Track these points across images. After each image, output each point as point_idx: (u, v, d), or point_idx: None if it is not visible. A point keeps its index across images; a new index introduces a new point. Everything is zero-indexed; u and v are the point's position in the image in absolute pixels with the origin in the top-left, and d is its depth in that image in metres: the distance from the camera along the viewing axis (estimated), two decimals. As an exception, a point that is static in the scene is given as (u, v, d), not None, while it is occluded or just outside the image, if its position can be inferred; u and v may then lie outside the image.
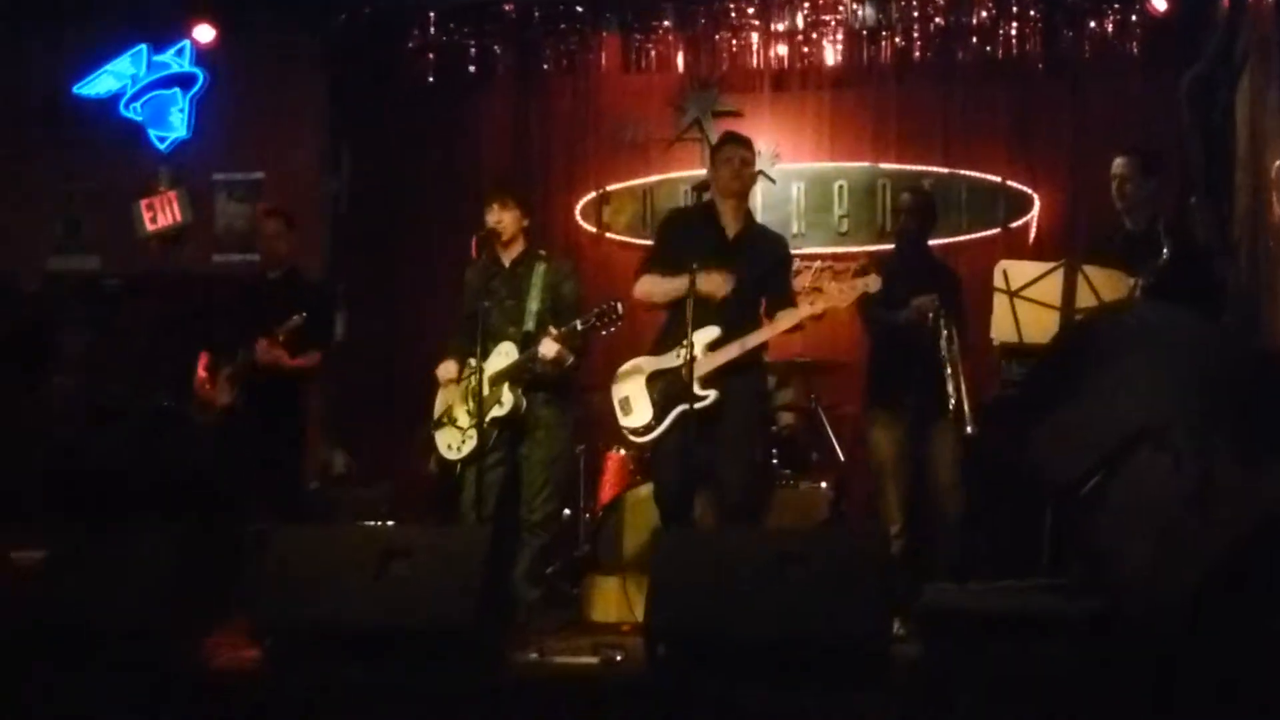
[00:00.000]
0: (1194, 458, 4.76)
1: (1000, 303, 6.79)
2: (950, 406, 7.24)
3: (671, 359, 6.94)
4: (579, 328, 6.94)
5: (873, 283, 6.93)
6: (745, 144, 7.23)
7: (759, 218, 9.08)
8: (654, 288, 7.11)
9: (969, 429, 7.19)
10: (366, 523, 8.46)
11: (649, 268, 7.22)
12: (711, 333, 6.79)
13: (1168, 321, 5.56)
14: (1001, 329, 6.82)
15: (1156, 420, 4.94)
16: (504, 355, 7.14)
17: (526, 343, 7.14)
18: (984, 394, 7.33)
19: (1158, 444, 4.88)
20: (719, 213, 7.15)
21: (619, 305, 6.89)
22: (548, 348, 7.00)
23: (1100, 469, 5.05)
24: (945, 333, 7.34)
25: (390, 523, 8.54)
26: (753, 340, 6.88)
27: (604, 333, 6.93)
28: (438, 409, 7.43)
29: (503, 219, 7.30)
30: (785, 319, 6.91)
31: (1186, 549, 4.66)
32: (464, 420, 7.24)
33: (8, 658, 5.76)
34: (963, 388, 7.28)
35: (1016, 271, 6.84)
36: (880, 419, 7.67)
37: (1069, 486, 5.23)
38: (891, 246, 8.62)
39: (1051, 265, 6.80)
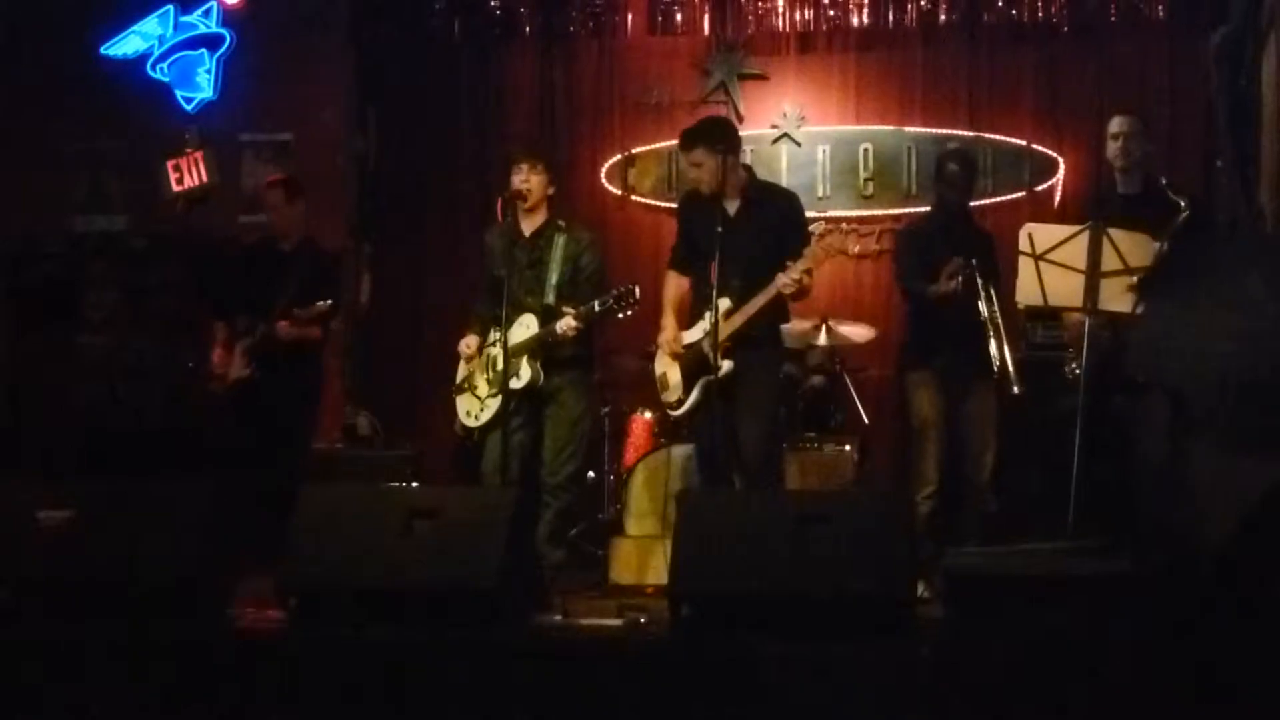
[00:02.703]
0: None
1: (1025, 266, 6.78)
2: (995, 368, 7.28)
3: (695, 333, 7.17)
4: (596, 309, 6.99)
5: (848, 244, 7.05)
6: (688, 146, 7.25)
7: (784, 181, 9.17)
8: (665, 293, 7.41)
9: (1015, 389, 7.23)
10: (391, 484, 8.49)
11: (674, 256, 7.49)
12: (723, 304, 6.88)
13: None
14: (1026, 292, 6.81)
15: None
16: (524, 327, 7.17)
17: (547, 315, 7.17)
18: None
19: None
20: (720, 192, 7.20)
21: (636, 290, 6.99)
22: (566, 325, 7.05)
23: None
24: (984, 294, 7.36)
25: (415, 484, 8.57)
26: (752, 307, 6.97)
27: (620, 315, 7.01)
28: (459, 374, 7.47)
29: (530, 181, 7.28)
30: (769, 289, 6.97)
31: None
32: (483, 389, 7.30)
33: (35, 615, 5.81)
34: (1005, 348, 7.31)
35: (1042, 235, 6.82)
36: (922, 380, 7.70)
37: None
38: (921, 210, 8.62)
39: (1077, 229, 6.77)
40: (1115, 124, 7.43)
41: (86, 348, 9.92)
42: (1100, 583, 5.13)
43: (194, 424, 8.87)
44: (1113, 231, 6.70)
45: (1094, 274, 6.66)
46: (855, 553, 5.50)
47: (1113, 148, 7.41)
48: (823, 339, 8.67)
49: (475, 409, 7.34)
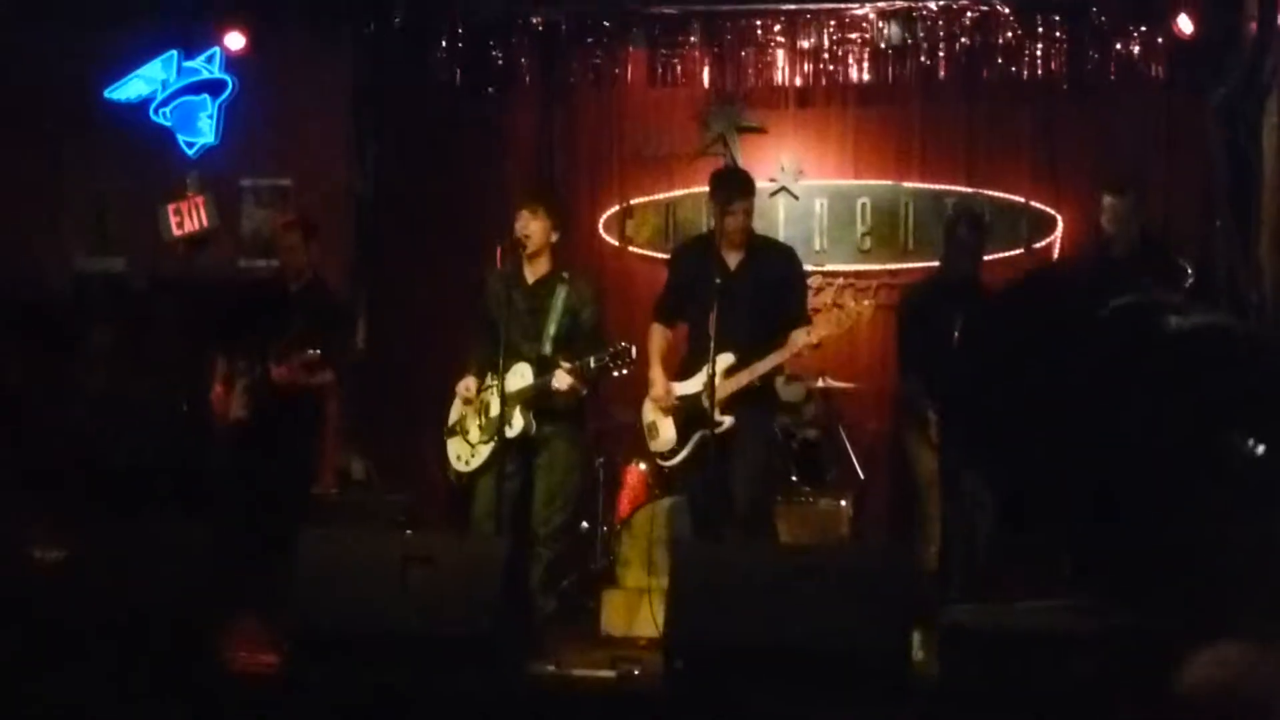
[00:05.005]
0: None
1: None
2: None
3: (692, 385, 7.17)
4: (592, 365, 7.01)
5: (866, 311, 7.08)
6: (749, 193, 7.31)
7: (781, 234, 9.20)
8: (650, 345, 7.38)
9: None
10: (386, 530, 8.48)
11: (660, 307, 7.53)
12: (726, 359, 6.90)
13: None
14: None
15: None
16: (519, 376, 7.18)
17: (542, 365, 7.19)
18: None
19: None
20: (719, 244, 7.22)
21: (633, 349, 7.04)
22: (560, 380, 7.09)
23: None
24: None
25: (409, 531, 8.56)
26: (761, 367, 7.03)
27: (616, 374, 7.04)
28: (452, 417, 7.49)
29: (530, 228, 7.30)
30: (786, 350, 7.00)
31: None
32: (474, 434, 7.32)
33: (29, 654, 5.80)
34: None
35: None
36: (921, 435, 7.72)
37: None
38: (921, 266, 8.66)
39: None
40: (1106, 204, 7.56)
41: (84, 387, 9.91)
42: (1098, 640, 5.13)
43: (189, 465, 8.86)
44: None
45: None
46: (850, 607, 5.51)
47: (1104, 221, 7.50)
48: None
49: (466, 454, 7.35)
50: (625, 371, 7.08)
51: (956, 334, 7.41)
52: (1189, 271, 6.96)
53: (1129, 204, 7.53)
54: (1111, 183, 7.85)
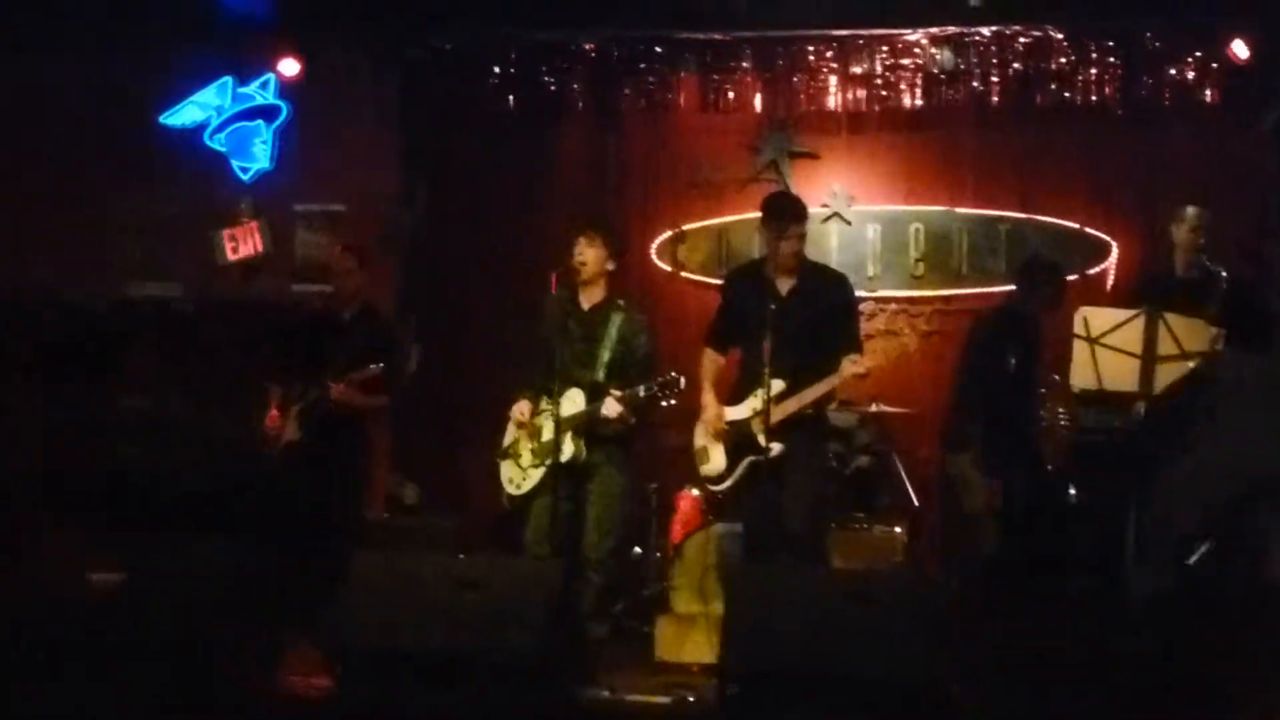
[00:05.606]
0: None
1: (1080, 349, 6.78)
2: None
3: (742, 410, 7.17)
4: (641, 394, 7.01)
5: (914, 342, 7.10)
6: (801, 218, 7.30)
7: (833, 260, 9.18)
8: (703, 371, 7.39)
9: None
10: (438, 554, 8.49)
11: (712, 333, 7.53)
12: (777, 385, 6.87)
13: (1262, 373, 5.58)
14: (1081, 375, 6.81)
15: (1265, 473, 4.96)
16: (571, 402, 7.18)
17: (594, 392, 7.19)
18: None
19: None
20: (771, 270, 7.21)
21: (681, 380, 7.02)
22: (610, 408, 7.08)
23: (1208, 539, 5.08)
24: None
25: (460, 555, 8.57)
26: (810, 395, 7.01)
27: (664, 404, 7.03)
28: (505, 440, 7.49)
29: (586, 256, 7.32)
30: (835, 378, 6.98)
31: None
32: (526, 458, 7.32)
33: (82, 674, 5.82)
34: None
35: (1097, 319, 6.83)
36: (974, 462, 7.70)
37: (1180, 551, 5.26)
38: (970, 291, 8.66)
39: (1133, 313, 6.78)
40: (1190, 214, 7.50)
41: (125, 410, 9.95)
42: (1144, 667, 5.11)
43: (233, 488, 8.87)
44: (1169, 316, 6.70)
45: (1150, 358, 6.64)
46: (904, 634, 5.48)
47: (1181, 233, 7.45)
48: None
49: (518, 477, 7.36)
50: (673, 401, 7.07)
51: (1012, 363, 7.47)
52: (1223, 275, 6.96)
53: (1209, 217, 7.51)
54: (1192, 196, 7.82)
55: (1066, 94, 9.88)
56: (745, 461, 7.08)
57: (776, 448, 6.88)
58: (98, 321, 10.13)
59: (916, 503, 8.67)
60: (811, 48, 10.12)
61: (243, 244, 10.22)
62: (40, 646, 5.88)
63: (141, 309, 10.24)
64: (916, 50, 10.02)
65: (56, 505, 9.37)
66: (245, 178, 10.36)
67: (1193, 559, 5.67)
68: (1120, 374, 6.69)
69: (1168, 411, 6.43)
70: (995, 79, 9.97)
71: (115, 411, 9.89)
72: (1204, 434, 5.38)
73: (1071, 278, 9.60)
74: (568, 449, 7.14)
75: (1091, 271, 9.66)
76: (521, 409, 7.40)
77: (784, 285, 7.17)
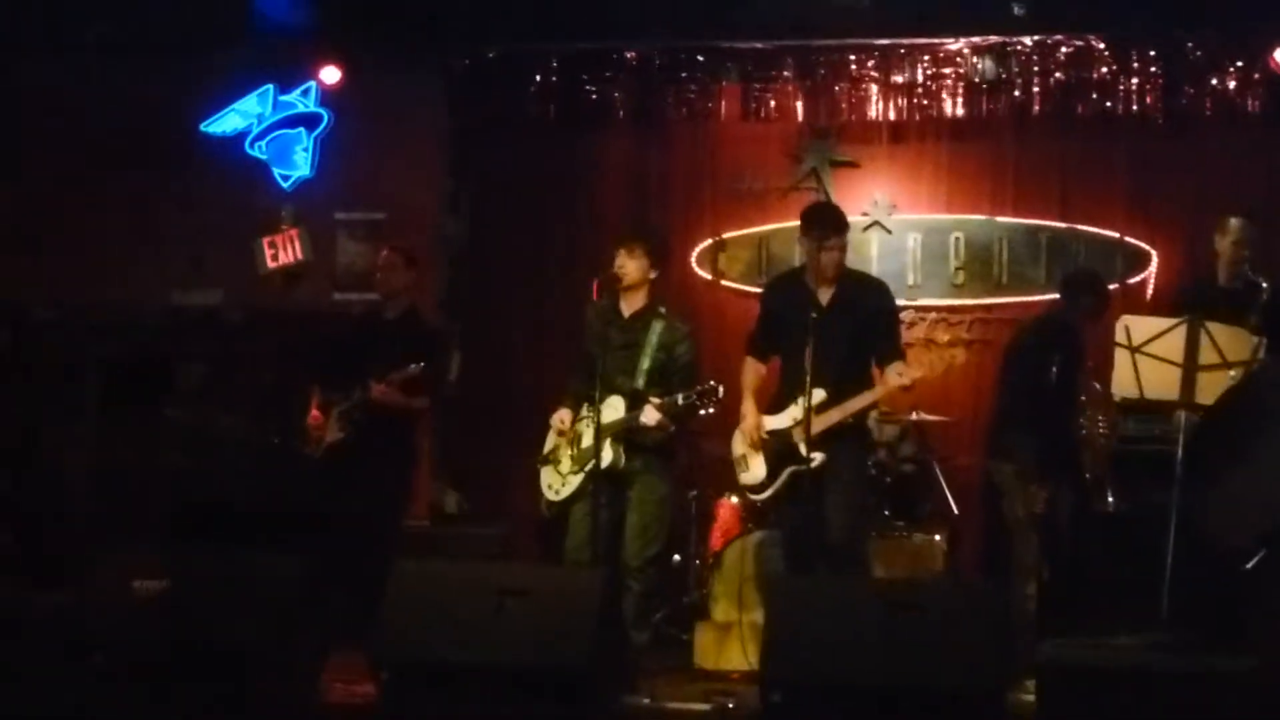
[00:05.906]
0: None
1: (1122, 358, 6.76)
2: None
3: (782, 419, 7.17)
4: (679, 402, 7.03)
5: (959, 355, 7.10)
6: (842, 229, 7.30)
7: (874, 269, 9.19)
8: (743, 379, 7.40)
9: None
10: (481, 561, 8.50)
11: (753, 341, 7.54)
12: (818, 395, 6.87)
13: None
14: (1123, 384, 6.80)
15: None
16: (611, 409, 7.20)
17: (634, 399, 7.21)
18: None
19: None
20: (812, 279, 7.22)
21: (720, 389, 7.03)
22: (649, 416, 7.11)
23: (1266, 544, 5.05)
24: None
25: (504, 562, 8.59)
26: (853, 405, 7.03)
27: (702, 412, 7.04)
28: (547, 445, 7.52)
29: (626, 266, 7.36)
30: (878, 389, 7.03)
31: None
32: (565, 465, 7.36)
33: (127, 684, 5.86)
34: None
35: (1139, 327, 6.81)
36: (1018, 472, 7.69)
37: (1237, 556, 5.24)
38: (1011, 300, 8.68)
39: (1175, 321, 6.76)
40: (1234, 225, 7.49)
41: (174, 420, 10.01)
42: (1194, 680, 5.09)
43: (281, 497, 8.91)
44: (1211, 325, 6.68)
45: (1191, 367, 6.63)
46: (945, 643, 5.48)
47: (1225, 244, 7.45)
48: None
49: (557, 484, 7.40)
50: (711, 410, 7.08)
51: (1054, 372, 7.47)
52: (1263, 285, 6.97)
53: (1252, 229, 7.50)
54: (1239, 207, 7.81)
55: (1108, 104, 9.85)
56: (787, 471, 7.08)
57: (818, 458, 6.88)
58: (149, 332, 10.20)
59: (956, 511, 8.66)
60: (853, 57, 10.12)
61: (282, 251, 10.26)
62: (89, 655, 5.93)
63: (190, 317, 10.30)
64: (958, 59, 10.01)
65: (106, 516, 9.45)
66: (286, 185, 10.40)
67: (1250, 564, 5.65)
68: (1162, 382, 6.67)
69: (1221, 421, 6.40)
70: (1037, 88, 9.94)
71: (163, 422, 9.96)
72: (1261, 445, 5.35)
73: (1111, 287, 9.61)
74: (607, 455, 7.15)
75: (1131, 281, 9.63)
76: (562, 416, 7.43)
77: (824, 294, 7.17)
